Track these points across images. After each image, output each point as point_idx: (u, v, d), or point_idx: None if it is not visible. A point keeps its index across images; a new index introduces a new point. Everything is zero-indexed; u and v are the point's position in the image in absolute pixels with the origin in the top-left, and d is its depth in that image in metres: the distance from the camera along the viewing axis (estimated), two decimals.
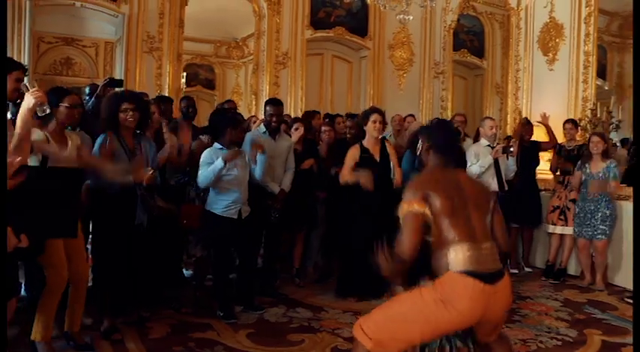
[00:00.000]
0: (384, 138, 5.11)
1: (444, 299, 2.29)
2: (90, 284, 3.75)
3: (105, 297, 3.74)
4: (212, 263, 4.47)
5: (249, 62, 11.02)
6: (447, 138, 2.72)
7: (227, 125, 4.28)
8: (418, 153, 2.78)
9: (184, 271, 5.16)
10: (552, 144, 6.27)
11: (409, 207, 2.38)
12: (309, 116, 6.29)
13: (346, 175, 4.74)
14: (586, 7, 7.84)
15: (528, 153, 6.15)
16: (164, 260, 4.26)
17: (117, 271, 3.67)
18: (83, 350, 3.46)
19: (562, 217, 5.78)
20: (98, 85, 4.74)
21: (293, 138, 5.13)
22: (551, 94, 8.25)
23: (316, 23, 8.41)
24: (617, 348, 3.86)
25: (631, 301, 5.00)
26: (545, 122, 6.35)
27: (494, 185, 5.23)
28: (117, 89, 4.70)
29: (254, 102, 8.34)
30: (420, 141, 2.74)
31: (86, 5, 7.23)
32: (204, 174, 4.14)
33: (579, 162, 5.60)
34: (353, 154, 4.80)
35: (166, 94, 7.31)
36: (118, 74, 7.46)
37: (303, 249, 5.30)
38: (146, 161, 3.86)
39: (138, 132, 3.88)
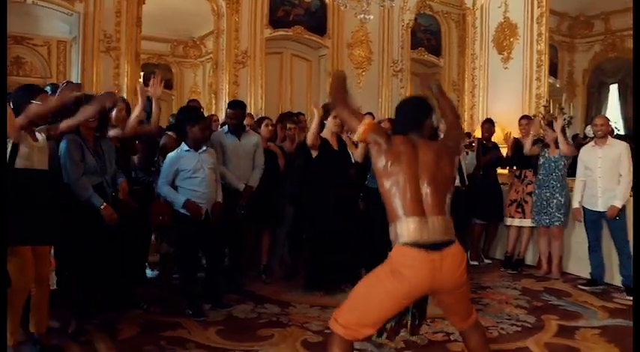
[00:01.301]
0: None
1: (393, 271, 2.40)
2: (54, 286, 3.70)
3: (72, 299, 3.69)
4: (178, 262, 4.48)
5: (207, 61, 10.96)
6: (402, 115, 2.76)
7: (187, 123, 4.30)
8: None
9: (149, 271, 5.11)
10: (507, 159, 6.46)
11: (363, 125, 2.54)
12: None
13: (312, 134, 4.85)
14: (538, 7, 8.14)
15: (490, 152, 6.35)
16: (131, 260, 4.21)
17: (84, 272, 3.63)
18: None
19: (519, 210, 5.98)
20: (59, 85, 4.65)
21: (263, 134, 5.18)
22: (506, 92, 8.53)
23: (275, 22, 8.43)
24: (572, 331, 4.05)
25: (584, 288, 5.24)
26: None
27: (456, 181, 5.38)
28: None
29: (214, 102, 8.31)
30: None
31: (38, 3, 7.03)
32: (165, 188, 4.20)
33: (541, 144, 5.86)
34: (319, 116, 4.90)
35: (124, 95, 7.24)
36: (75, 74, 7.32)
37: (269, 245, 5.32)
38: (108, 162, 3.84)
39: (97, 134, 3.84)
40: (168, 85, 12.32)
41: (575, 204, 5.39)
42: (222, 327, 3.96)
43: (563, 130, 5.70)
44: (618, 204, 5.03)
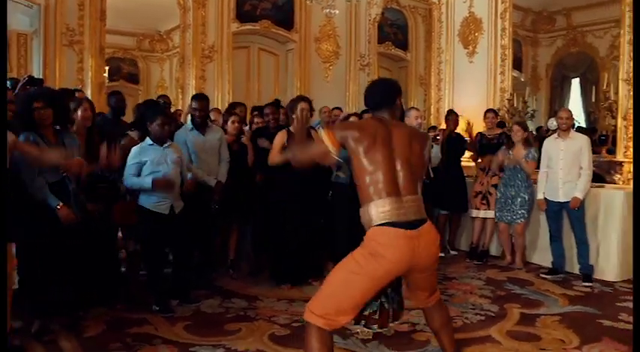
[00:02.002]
0: (312, 127, 5.21)
1: (372, 252, 2.43)
2: (16, 286, 3.63)
3: (34, 298, 3.63)
4: (144, 258, 4.44)
5: (174, 55, 10.86)
6: (369, 94, 2.80)
7: (145, 119, 4.27)
8: None
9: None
10: (473, 144, 6.52)
11: (326, 136, 2.55)
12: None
13: (274, 156, 4.79)
14: (502, 3, 8.29)
15: (454, 143, 6.43)
16: (97, 257, 4.16)
17: (47, 271, 3.57)
18: None
19: (484, 202, 6.09)
20: (19, 80, 4.56)
21: (229, 131, 5.17)
22: (471, 85, 8.66)
23: (242, 16, 8.40)
24: (534, 319, 4.17)
25: (546, 276, 5.38)
26: (469, 131, 6.57)
27: None
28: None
29: (180, 97, 8.24)
30: None
31: None
32: (132, 179, 4.14)
33: (503, 147, 5.90)
34: (281, 138, 4.88)
35: (89, 89, 7.13)
36: (36, 68, 7.17)
37: (237, 241, 5.32)
38: (70, 155, 3.77)
39: (58, 128, 3.78)
40: (134, 79, 12.20)
41: (540, 195, 5.51)
42: (189, 322, 3.96)
43: (526, 142, 5.75)
44: (580, 196, 5.17)
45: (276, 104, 5.95)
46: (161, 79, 12.36)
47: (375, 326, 2.67)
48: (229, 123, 5.21)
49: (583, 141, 5.31)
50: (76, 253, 3.72)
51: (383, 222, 2.44)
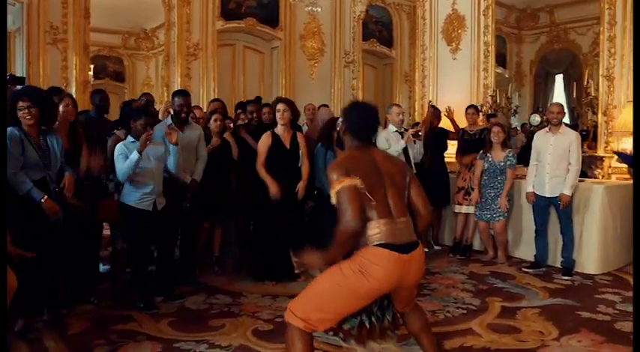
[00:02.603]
0: (299, 128, 5.27)
1: (362, 271, 2.48)
2: None
3: (17, 297, 3.63)
4: (129, 255, 4.45)
5: (160, 53, 10.81)
6: (361, 120, 2.79)
7: (130, 117, 4.28)
8: (340, 134, 2.92)
9: (101, 266, 5.06)
10: (457, 132, 6.60)
11: (340, 183, 2.46)
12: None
13: (261, 169, 4.90)
14: (484, 0, 8.33)
15: (437, 138, 6.48)
16: (81, 256, 4.18)
17: (29, 269, 3.58)
18: None
19: (467, 197, 6.14)
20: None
21: (212, 129, 5.19)
22: (454, 82, 8.75)
23: (227, 14, 8.41)
24: (514, 312, 4.24)
25: (527, 270, 5.46)
26: (450, 116, 6.66)
27: None
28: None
29: (165, 95, 8.22)
30: (340, 125, 2.87)
31: None
32: (122, 168, 4.12)
33: (481, 152, 5.93)
34: (265, 142, 4.94)
35: (73, 87, 7.11)
36: (19, 66, 7.13)
37: (222, 237, 5.34)
38: (54, 157, 3.79)
39: (43, 127, 3.79)
40: (120, 77, 12.15)
41: (529, 189, 5.53)
42: (173, 319, 3.98)
43: (504, 144, 5.81)
44: (567, 193, 5.23)
45: (258, 101, 5.97)
46: (147, 77, 12.30)
47: (352, 341, 2.70)
48: (212, 121, 5.23)
49: (573, 137, 5.34)
50: (59, 252, 3.73)
51: (380, 242, 2.50)
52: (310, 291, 2.61)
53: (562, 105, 5.60)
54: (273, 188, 4.84)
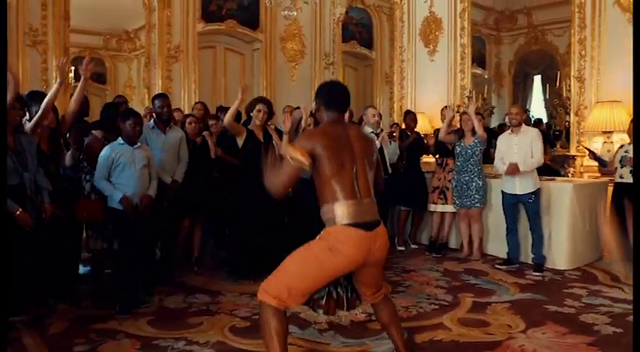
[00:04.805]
0: (279, 132, 5.38)
1: (331, 247, 2.63)
2: None
3: None
4: (117, 257, 4.44)
5: (142, 55, 10.79)
6: (332, 92, 2.91)
7: (114, 119, 4.35)
8: (314, 114, 3.03)
9: (80, 266, 5.12)
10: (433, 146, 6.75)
11: (294, 153, 2.59)
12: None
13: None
14: (461, 2, 8.52)
15: (414, 143, 6.62)
16: (60, 256, 4.24)
17: (9, 270, 3.63)
18: None
19: (442, 196, 6.29)
20: None
21: (188, 131, 5.28)
22: (432, 83, 8.90)
23: (208, 16, 8.47)
24: (485, 307, 4.38)
25: (500, 267, 5.61)
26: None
27: None
28: None
29: (147, 97, 8.26)
30: (315, 105, 2.95)
31: None
32: (102, 182, 4.21)
33: (456, 136, 6.14)
34: (241, 129, 5.13)
35: None
36: None
37: (201, 237, 5.43)
38: (30, 158, 3.84)
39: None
40: (101, 79, 12.11)
41: (506, 170, 5.57)
42: (152, 317, 4.07)
43: (478, 114, 6.03)
44: (521, 167, 5.42)
45: None
46: (129, 79, 12.27)
47: (321, 311, 2.86)
48: (187, 124, 5.33)
49: (533, 134, 5.59)
50: (37, 253, 3.79)
51: (347, 222, 2.64)
52: (281, 270, 2.73)
53: (521, 107, 5.95)
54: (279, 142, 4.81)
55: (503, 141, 5.75)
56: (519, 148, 5.54)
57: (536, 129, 5.75)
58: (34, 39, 7.11)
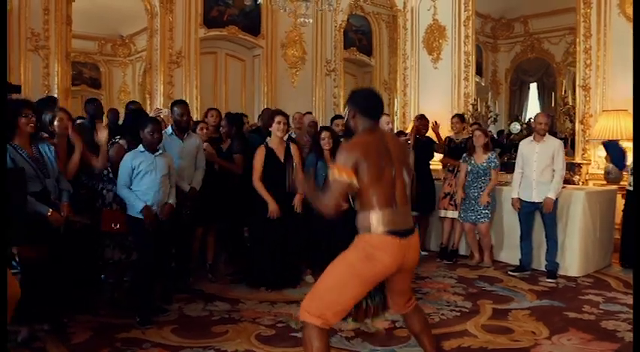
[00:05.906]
0: (292, 140, 5.34)
1: (368, 256, 2.62)
2: None
3: (20, 306, 3.61)
4: (137, 267, 4.34)
5: (137, 60, 10.77)
6: (368, 99, 2.87)
7: (138, 127, 4.29)
8: (345, 120, 3.03)
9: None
10: (441, 145, 6.76)
11: (339, 174, 2.59)
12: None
13: (258, 184, 4.97)
14: (465, 11, 8.58)
15: (424, 146, 6.61)
16: (82, 264, 4.17)
17: (33, 278, 3.57)
18: None
19: (452, 203, 6.30)
20: None
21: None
22: (436, 91, 8.94)
23: (209, 22, 8.47)
24: (506, 313, 4.40)
25: (513, 274, 5.63)
26: (435, 129, 6.79)
27: None
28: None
29: (148, 102, 8.21)
30: (346, 113, 2.94)
31: None
32: (124, 190, 4.14)
33: (465, 155, 6.13)
34: (260, 156, 5.02)
35: (55, 94, 7.03)
36: None
37: (215, 245, 5.38)
38: (50, 165, 3.79)
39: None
40: (96, 84, 12.00)
41: (514, 195, 5.69)
42: (175, 326, 4.02)
43: (485, 147, 6.02)
44: (552, 196, 5.41)
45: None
46: (124, 84, 12.17)
47: (350, 319, 2.84)
48: (197, 130, 5.29)
49: (557, 145, 5.55)
50: (60, 260, 3.73)
51: (382, 230, 2.63)
52: (320, 287, 2.69)
53: (549, 116, 5.81)
54: (272, 206, 4.92)
55: (524, 148, 5.72)
56: (539, 157, 5.54)
57: (560, 141, 5.71)
58: (36, 44, 7.06)
